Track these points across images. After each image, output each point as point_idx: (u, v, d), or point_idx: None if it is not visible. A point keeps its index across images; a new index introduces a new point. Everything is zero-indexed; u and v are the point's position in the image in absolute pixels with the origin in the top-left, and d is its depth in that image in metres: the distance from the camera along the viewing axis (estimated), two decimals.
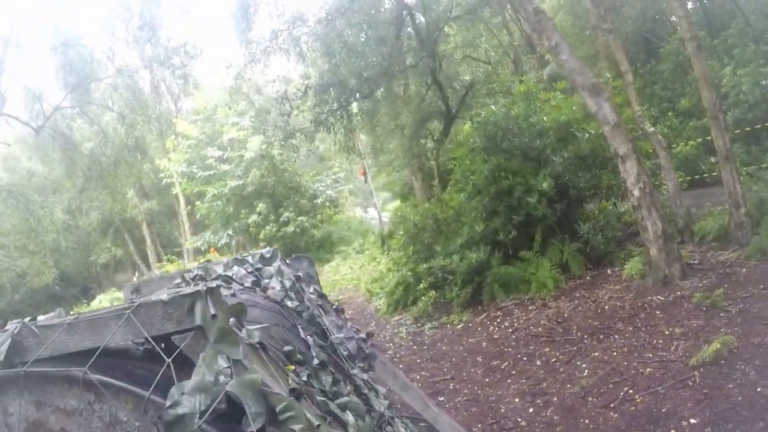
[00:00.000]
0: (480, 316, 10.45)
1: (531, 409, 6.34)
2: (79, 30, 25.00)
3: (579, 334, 7.95)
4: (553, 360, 7.47)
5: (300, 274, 11.24)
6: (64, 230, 32.05)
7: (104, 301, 27.40)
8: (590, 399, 6.04)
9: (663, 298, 7.99)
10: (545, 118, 11.43)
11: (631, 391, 5.85)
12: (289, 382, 1.26)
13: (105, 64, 22.03)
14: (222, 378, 1.16)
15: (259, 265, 2.78)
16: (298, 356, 1.88)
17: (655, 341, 6.80)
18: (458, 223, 12.55)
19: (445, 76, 18.98)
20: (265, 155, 26.29)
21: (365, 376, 2.37)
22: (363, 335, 2.89)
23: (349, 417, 1.46)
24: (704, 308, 7.19)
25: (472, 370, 8.19)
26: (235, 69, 16.91)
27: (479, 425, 6.39)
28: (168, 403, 1.12)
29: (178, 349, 1.22)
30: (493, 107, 12.67)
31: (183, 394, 1.12)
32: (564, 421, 5.80)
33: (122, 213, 32.40)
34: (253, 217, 28.78)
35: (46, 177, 29.50)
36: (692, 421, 4.95)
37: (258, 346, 1.30)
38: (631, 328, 7.43)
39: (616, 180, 10.25)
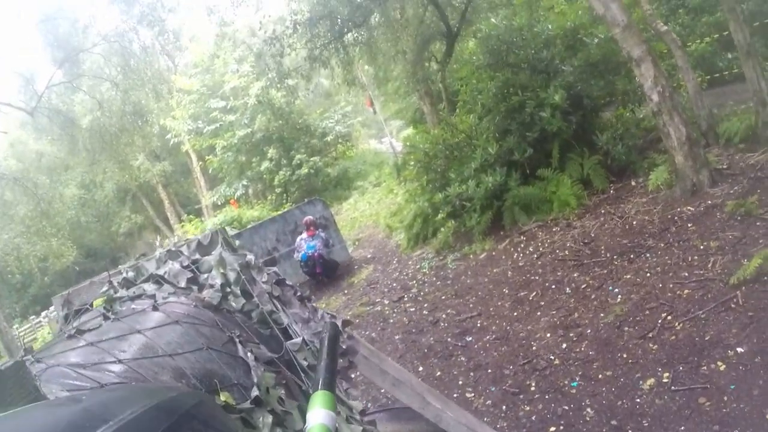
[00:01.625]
0: (503, 242, 10.01)
1: (564, 345, 5.95)
2: (58, 2, 23.89)
3: (608, 254, 7.47)
4: (583, 286, 7.03)
5: (316, 216, 10.71)
6: (81, 206, 32.35)
7: None
8: (626, 329, 5.61)
9: (693, 209, 7.42)
10: (550, 26, 10.66)
11: (669, 317, 5.40)
12: None
13: (89, 32, 21.35)
14: None
15: (197, 256, 2.24)
16: (221, 399, 1.41)
17: (690, 258, 6.31)
18: (470, 146, 11.93)
19: None
20: (262, 101, 25.64)
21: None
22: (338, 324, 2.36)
23: None
24: (739, 217, 6.62)
25: (499, 303, 7.82)
26: (218, 15, 16.08)
27: (510, 367, 6.05)
28: None
29: None
30: (493, 20, 11.91)
31: None
32: (600, 356, 5.40)
33: (135, 180, 32.36)
34: (266, 164, 28.33)
35: (55, 156, 29.27)
36: (739, 349, 4.52)
37: None
38: (662, 245, 6.92)
39: (632, 85, 9.55)
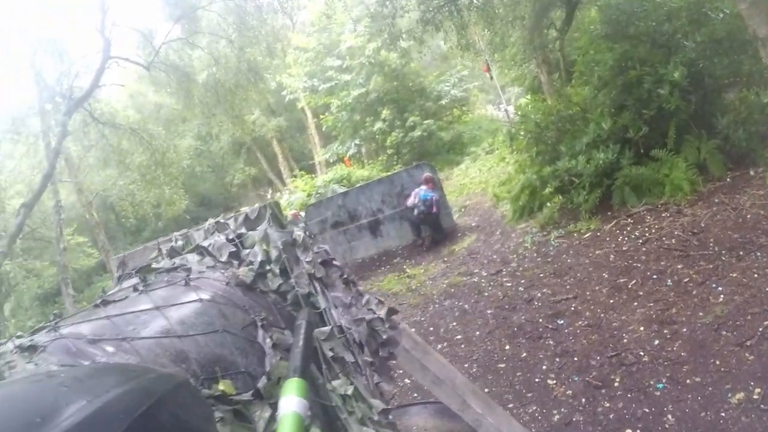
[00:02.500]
0: (609, 223, 9.70)
1: (656, 341, 5.77)
2: None
3: (716, 248, 7.09)
4: (685, 280, 6.73)
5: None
6: (197, 156, 33.82)
7: None
8: (724, 333, 5.35)
9: None
10: None
11: None
12: None
13: None
14: None
15: (243, 230, 2.18)
16: (219, 387, 1.36)
17: None
18: (584, 120, 11.54)
19: None
20: (374, 62, 25.64)
21: (350, 390, 1.74)
22: (381, 314, 2.22)
23: None
24: None
25: (597, 288, 7.64)
26: None
27: (597, 357, 5.95)
28: None
29: None
30: None
31: None
32: (692, 359, 5.20)
33: (250, 133, 33.47)
34: (379, 125, 28.51)
35: (173, 108, 30.64)
36: None
37: None
38: None
39: (758, 66, 8.86)
